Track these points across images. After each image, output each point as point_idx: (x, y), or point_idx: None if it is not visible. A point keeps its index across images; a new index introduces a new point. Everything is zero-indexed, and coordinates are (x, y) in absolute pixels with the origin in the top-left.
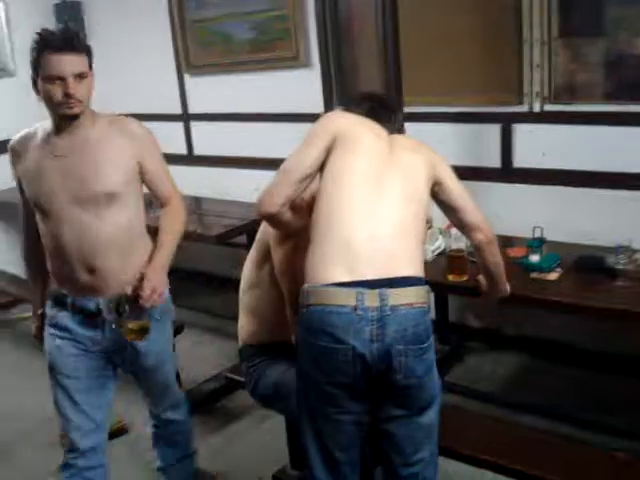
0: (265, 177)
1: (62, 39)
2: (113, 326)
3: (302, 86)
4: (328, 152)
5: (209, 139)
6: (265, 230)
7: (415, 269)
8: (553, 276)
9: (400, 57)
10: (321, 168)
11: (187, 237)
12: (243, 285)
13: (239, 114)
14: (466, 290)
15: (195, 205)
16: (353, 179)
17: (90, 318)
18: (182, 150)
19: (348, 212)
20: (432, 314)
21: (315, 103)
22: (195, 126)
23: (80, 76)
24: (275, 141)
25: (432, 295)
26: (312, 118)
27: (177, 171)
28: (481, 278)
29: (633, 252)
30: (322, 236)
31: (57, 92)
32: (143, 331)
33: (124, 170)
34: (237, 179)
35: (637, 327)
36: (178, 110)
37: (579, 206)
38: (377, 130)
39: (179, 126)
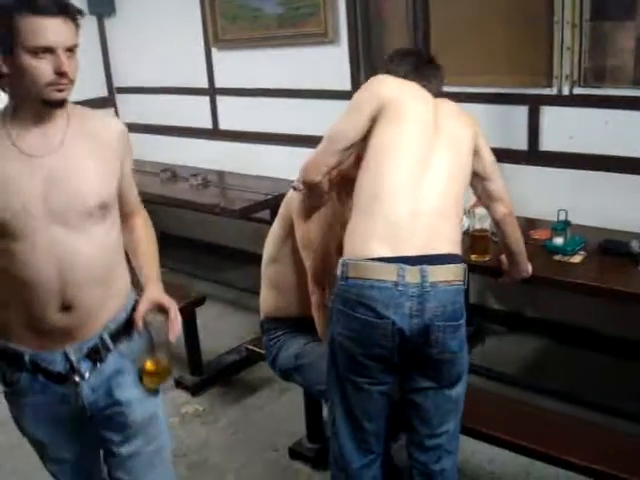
0: (290, 153)
1: None
2: (86, 376)
3: (329, 63)
4: (374, 121)
5: (235, 114)
6: (288, 204)
7: (453, 247)
8: (577, 259)
9: (430, 37)
10: (365, 138)
11: (209, 211)
12: (265, 259)
13: (265, 89)
14: (488, 270)
15: (219, 179)
16: (398, 152)
17: (56, 379)
18: (207, 124)
19: (391, 187)
20: None
21: (342, 81)
22: (221, 100)
23: (71, 50)
24: (301, 117)
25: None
26: (338, 95)
27: (202, 145)
28: (503, 258)
29: None
30: (364, 210)
31: (46, 69)
32: (167, 369)
33: (114, 175)
34: (262, 154)
35: None
36: (204, 84)
37: (605, 191)
38: (423, 94)
39: (205, 100)
